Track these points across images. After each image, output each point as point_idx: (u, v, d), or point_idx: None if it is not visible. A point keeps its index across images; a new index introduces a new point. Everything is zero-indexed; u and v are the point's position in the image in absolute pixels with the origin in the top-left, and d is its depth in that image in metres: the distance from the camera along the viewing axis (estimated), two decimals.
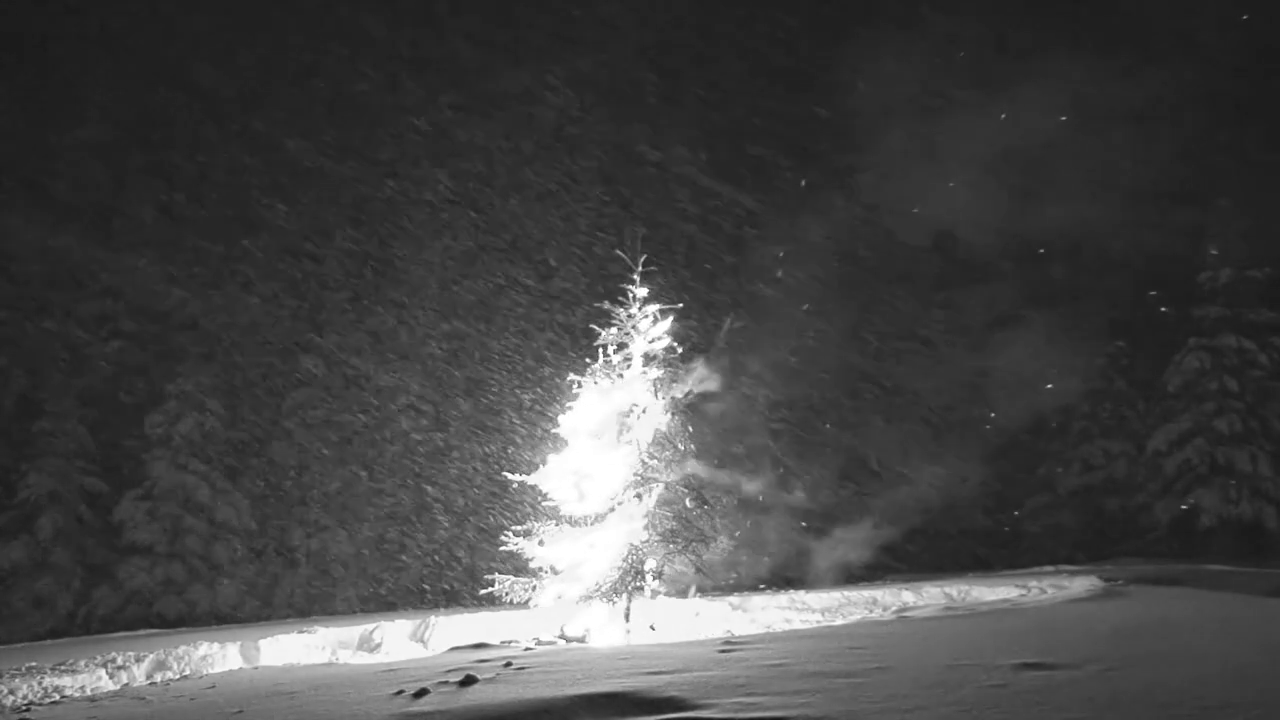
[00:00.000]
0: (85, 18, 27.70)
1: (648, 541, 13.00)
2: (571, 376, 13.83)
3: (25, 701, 10.09)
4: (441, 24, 30.42)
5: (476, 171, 28.99)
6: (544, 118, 29.92)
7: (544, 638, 12.36)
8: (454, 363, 26.82)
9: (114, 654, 13.15)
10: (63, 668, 12.21)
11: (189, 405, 23.78)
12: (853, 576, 22.79)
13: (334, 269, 27.19)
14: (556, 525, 13.26)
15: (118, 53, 27.53)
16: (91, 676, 11.50)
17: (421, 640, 14.98)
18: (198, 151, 27.68)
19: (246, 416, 25.54)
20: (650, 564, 13.04)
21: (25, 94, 26.49)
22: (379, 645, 14.73)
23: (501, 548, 13.51)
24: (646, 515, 13.05)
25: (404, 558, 25.07)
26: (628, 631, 12.80)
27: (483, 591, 14.04)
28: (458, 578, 24.78)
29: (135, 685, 11.12)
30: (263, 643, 14.09)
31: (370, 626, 15.61)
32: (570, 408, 13.68)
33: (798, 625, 14.52)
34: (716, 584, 19.83)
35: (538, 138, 29.68)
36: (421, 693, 7.44)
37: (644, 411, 13.19)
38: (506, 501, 23.65)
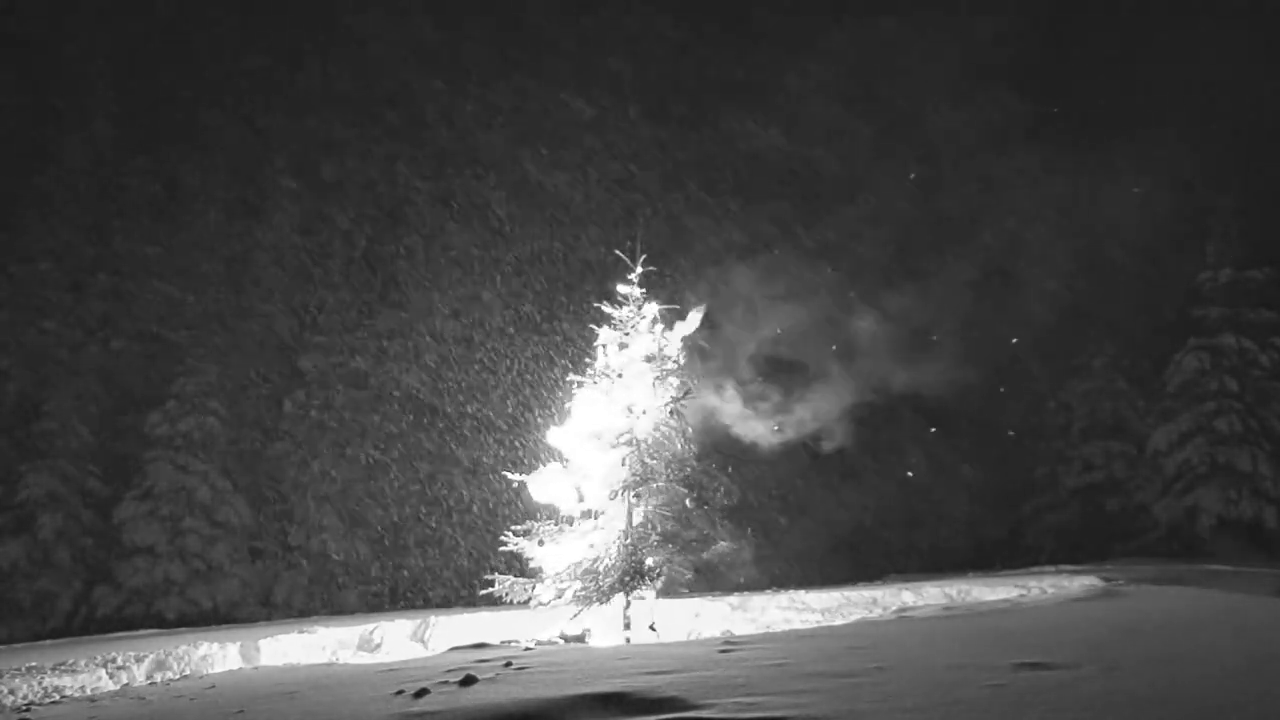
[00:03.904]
0: (87, 17, 27.70)
1: (647, 541, 12.99)
2: (572, 376, 13.82)
3: (25, 701, 10.09)
4: (457, 26, 30.39)
5: (481, 171, 28.97)
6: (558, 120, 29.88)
7: (544, 638, 12.34)
8: (455, 362, 26.80)
9: (114, 654, 13.12)
10: (63, 668, 12.18)
11: (189, 405, 23.77)
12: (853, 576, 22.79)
13: (335, 268, 27.16)
14: (556, 525, 13.26)
15: (119, 52, 27.52)
16: (91, 676, 11.50)
17: (421, 640, 15.01)
18: (198, 151, 27.64)
19: (246, 416, 25.53)
20: (650, 564, 13.03)
21: (25, 92, 26.48)
22: (379, 645, 14.76)
23: (501, 547, 13.51)
24: (646, 515, 13.04)
25: (404, 558, 25.07)
26: (628, 632, 12.79)
27: (483, 591, 14.03)
28: (458, 577, 24.77)
29: (135, 685, 11.11)
30: (263, 643, 14.09)
31: (370, 626, 15.63)
32: (571, 408, 13.68)
33: (798, 625, 14.51)
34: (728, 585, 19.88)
35: (547, 138, 29.66)
36: (422, 693, 7.43)
37: (644, 412, 13.19)
38: (507, 501, 23.64)
